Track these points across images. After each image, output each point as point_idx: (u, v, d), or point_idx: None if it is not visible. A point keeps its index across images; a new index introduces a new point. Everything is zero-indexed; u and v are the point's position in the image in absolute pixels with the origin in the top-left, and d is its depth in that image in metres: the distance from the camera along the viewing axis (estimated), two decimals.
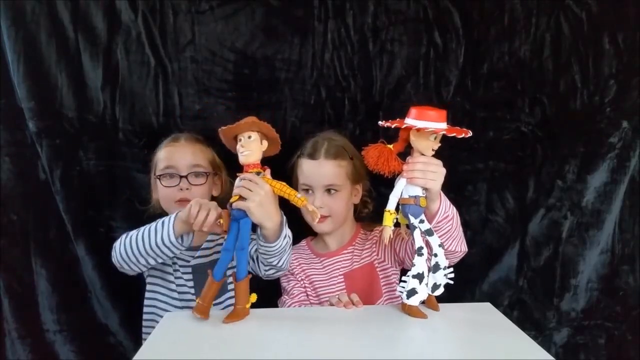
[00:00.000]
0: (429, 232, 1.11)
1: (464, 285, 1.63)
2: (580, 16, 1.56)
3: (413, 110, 1.06)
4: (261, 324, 1.10)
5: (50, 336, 1.65)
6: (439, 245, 1.11)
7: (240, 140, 1.11)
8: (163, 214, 1.43)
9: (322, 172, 1.34)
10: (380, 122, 1.11)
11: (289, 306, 1.36)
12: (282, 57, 1.57)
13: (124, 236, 1.28)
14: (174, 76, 1.57)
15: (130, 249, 1.25)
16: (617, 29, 1.57)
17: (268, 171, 1.13)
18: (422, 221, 1.10)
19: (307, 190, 1.36)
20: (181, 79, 1.57)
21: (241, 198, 1.09)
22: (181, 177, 1.37)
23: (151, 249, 1.22)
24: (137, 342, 1.00)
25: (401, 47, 1.58)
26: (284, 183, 1.12)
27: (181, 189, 1.37)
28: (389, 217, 1.08)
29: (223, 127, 1.11)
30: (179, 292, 1.37)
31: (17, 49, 1.52)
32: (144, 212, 1.48)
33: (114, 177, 1.60)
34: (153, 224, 1.24)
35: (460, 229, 1.18)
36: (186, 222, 1.19)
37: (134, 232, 1.27)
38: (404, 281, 1.11)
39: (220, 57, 1.57)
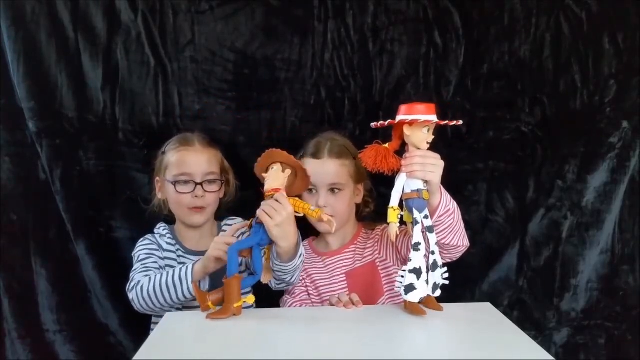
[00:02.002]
0: (429, 229, 1.11)
1: (464, 285, 1.63)
2: (580, 16, 1.56)
3: (403, 107, 1.07)
4: (262, 324, 1.10)
5: (50, 336, 1.65)
6: (436, 244, 1.12)
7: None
8: (169, 215, 1.45)
9: (326, 171, 1.34)
10: (372, 124, 1.11)
11: (290, 305, 1.36)
12: (282, 57, 1.57)
13: (137, 287, 1.24)
14: (173, 76, 1.57)
15: (152, 303, 1.23)
16: (617, 29, 1.57)
17: (282, 191, 1.15)
18: (426, 216, 1.10)
19: (310, 190, 1.36)
20: (181, 79, 1.57)
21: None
22: (196, 184, 1.37)
23: (172, 301, 1.22)
24: (137, 342, 1.00)
25: (401, 47, 1.58)
26: (296, 198, 1.17)
27: (196, 196, 1.37)
28: (393, 214, 1.08)
29: (256, 164, 1.20)
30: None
31: (17, 49, 1.53)
32: (145, 211, 1.48)
33: (114, 177, 1.60)
34: (166, 277, 1.22)
35: (462, 223, 1.18)
36: (204, 272, 1.21)
37: (146, 284, 1.23)
38: (402, 276, 1.11)
39: (220, 57, 1.57)
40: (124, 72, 1.56)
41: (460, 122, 1.09)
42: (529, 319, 1.66)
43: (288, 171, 1.17)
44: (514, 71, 1.59)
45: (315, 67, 1.58)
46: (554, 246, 1.64)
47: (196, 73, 1.57)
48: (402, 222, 1.12)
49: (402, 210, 1.10)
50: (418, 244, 1.10)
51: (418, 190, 1.08)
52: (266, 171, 1.19)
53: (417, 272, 1.09)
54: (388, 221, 1.08)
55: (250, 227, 1.17)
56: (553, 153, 1.61)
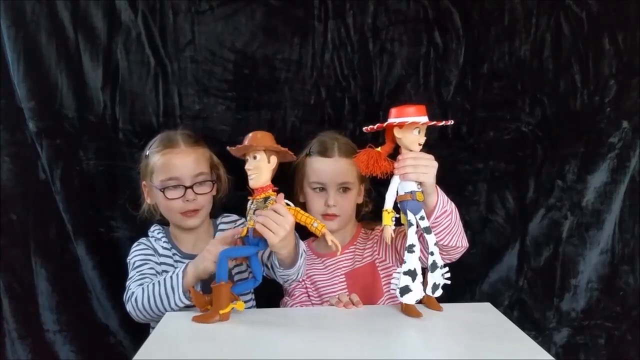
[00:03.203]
0: (427, 230, 1.11)
1: (464, 285, 1.63)
2: (580, 16, 1.56)
3: (393, 110, 1.08)
4: (261, 324, 1.10)
5: (50, 336, 1.65)
6: (435, 244, 1.12)
7: (247, 160, 1.08)
8: (162, 219, 1.42)
9: (338, 170, 1.34)
10: (364, 128, 1.12)
11: (290, 307, 1.36)
12: (282, 57, 1.57)
13: (132, 299, 1.21)
14: (174, 76, 1.57)
15: (148, 314, 1.21)
16: (617, 29, 1.57)
17: (281, 196, 1.09)
18: (422, 218, 1.10)
19: (320, 189, 1.36)
20: (181, 79, 1.57)
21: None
22: (186, 187, 1.31)
23: (166, 310, 1.19)
24: (137, 342, 1.00)
25: (401, 47, 1.58)
26: (298, 209, 1.11)
27: (187, 200, 1.31)
28: (388, 217, 1.08)
29: (230, 148, 1.10)
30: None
31: (17, 49, 1.52)
32: (137, 216, 1.45)
33: (114, 177, 1.60)
34: (158, 288, 1.18)
35: (460, 224, 1.18)
36: (196, 280, 1.18)
37: (140, 296, 1.20)
38: (397, 278, 1.12)
39: (220, 57, 1.57)
40: (124, 72, 1.56)
41: (451, 122, 1.09)
42: (529, 319, 1.66)
43: (274, 159, 1.08)
44: (514, 71, 1.59)
45: (315, 67, 1.58)
46: (554, 246, 1.64)
47: (196, 73, 1.57)
48: (400, 223, 1.12)
49: (397, 213, 1.10)
50: (412, 245, 1.10)
51: (412, 192, 1.09)
52: (243, 155, 1.09)
53: (412, 274, 1.10)
54: (383, 224, 1.08)
55: (245, 234, 1.13)
56: (553, 153, 1.61)
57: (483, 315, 1.13)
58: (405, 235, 1.26)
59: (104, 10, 1.54)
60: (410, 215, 1.10)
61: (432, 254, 1.12)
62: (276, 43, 1.57)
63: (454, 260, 1.22)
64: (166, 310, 1.19)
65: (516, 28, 1.57)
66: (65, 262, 1.63)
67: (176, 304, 1.18)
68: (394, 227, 1.10)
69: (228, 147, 1.11)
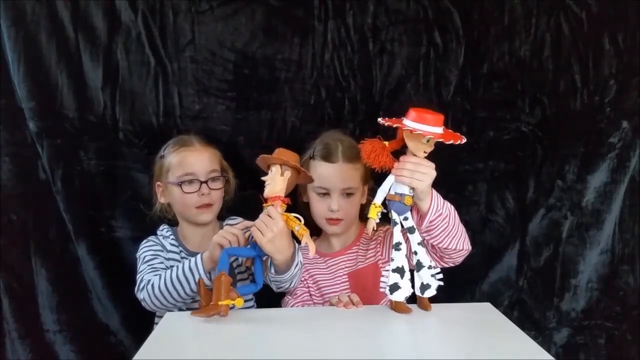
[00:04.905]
0: (410, 230, 1.13)
1: (464, 285, 1.63)
2: (580, 16, 1.56)
3: (412, 112, 1.07)
4: (261, 324, 1.10)
5: (50, 336, 1.65)
6: (419, 244, 1.13)
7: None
8: (173, 219, 1.46)
9: (341, 176, 1.34)
10: (379, 119, 1.12)
11: (291, 306, 1.36)
12: (282, 57, 1.57)
13: (148, 286, 1.25)
14: (174, 76, 1.57)
15: (165, 299, 1.24)
16: (617, 29, 1.57)
17: (277, 203, 1.16)
18: (405, 218, 1.12)
19: (323, 194, 1.36)
20: (181, 79, 1.57)
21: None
22: (201, 182, 1.38)
23: (187, 295, 1.24)
24: (138, 342, 1.00)
25: (401, 47, 1.58)
26: (289, 215, 1.17)
27: (203, 194, 1.38)
28: (374, 210, 1.11)
29: (257, 160, 1.20)
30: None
31: (17, 49, 1.52)
32: (147, 215, 1.48)
33: (114, 177, 1.60)
34: (177, 271, 1.24)
35: (461, 226, 1.17)
36: (212, 260, 1.22)
37: (157, 282, 1.24)
38: (386, 276, 1.13)
39: (220, 57, 1.57)
40: (124, 72, 1.56)
41: (464, 140, 1.08)
42: (529, 319, 1.66)
43: (287, 173, 1.17)
44: (514, 71, 1.59)
45: (315, 67, 1.58)
46: (554, 246, 1.64)
47: (196, 73, 1.57)
48: (387, 218, 1.14)
49: (385, 209, 1.12)
50: (399, 243, 1.13)
51: (401, 194, 1.10)
52: (267, 168, 1.19)
53: (400, 271, 1.12)
54: (368, 216, 1.11)
55: (248, 240, 1.20)
56: (553, 153, 1.61)
57: (483, 315, 1.13)
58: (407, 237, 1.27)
59: (104, 10, 1.54)
60: (394, 215, 1.12)
61: (415, 253, 1.13)
62: (276, 43, 1.57)
63: (457, 263, 1.22)
64: (186, 294, 1.23)
65: (516, 28, 1.57)
66: (65, 262, 1.63)
67: (197, 285, 1.20)
68: (377, 221, 1.11)
69: (257, 160, 1.20)
